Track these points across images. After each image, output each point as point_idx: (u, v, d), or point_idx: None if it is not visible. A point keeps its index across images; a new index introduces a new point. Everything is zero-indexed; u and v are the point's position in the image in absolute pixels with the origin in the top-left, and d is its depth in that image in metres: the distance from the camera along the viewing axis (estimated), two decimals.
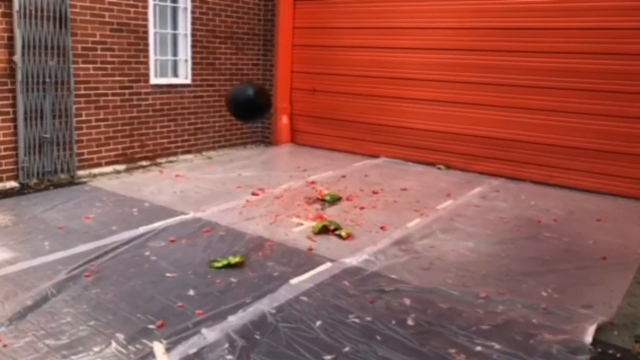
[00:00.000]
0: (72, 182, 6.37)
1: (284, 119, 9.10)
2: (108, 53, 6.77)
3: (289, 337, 3.09)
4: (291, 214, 5.40)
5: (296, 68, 9.06)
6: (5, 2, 5.75)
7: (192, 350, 2.91)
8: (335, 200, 5.83)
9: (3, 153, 5.98)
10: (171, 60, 7.79)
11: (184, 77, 7.86)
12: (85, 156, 6.71)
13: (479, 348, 3.05)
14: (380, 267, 4.14)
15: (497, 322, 3.35)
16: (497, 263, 4.33)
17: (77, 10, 6.36)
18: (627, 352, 3.09)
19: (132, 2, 6.93)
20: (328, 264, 4.17)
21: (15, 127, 6.01)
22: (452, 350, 3.02)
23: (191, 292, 3.62)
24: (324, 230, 4.87)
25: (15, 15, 5.77)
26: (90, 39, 6.55)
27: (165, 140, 7.65)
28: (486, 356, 2.98)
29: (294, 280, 3.84)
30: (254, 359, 2.87)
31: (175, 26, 7.79)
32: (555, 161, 6.84)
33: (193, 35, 7.83)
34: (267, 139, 9.21)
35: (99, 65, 6.69)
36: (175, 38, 7.81)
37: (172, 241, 4.54)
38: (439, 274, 4.07)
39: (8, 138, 5.99)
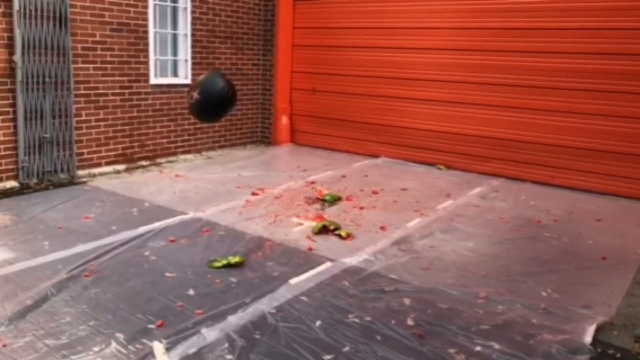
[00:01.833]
0: (72, 182, 6.37)
1: (284, 119, 9.10)
2: (108, 53, 6.77)
3: (288, 337, 3.09)
4: (291, 214, 5.40)
5: (296, 68, 9.06)
6: (5, 2, 5.75)
7: (192, 350, 2.91)
8: (335, 200, 5.83)
9: (3, 153, 5.98)
10: (171, 60, 7.79)
11: (184, 77, 7.85)
12: (85, 156, 6.71)
13: (478, 348, 3.05)
14: (380, 267, 4.14)
15: (496, 322, 3.35)
16: (496, 263, 4.33)
17: (77, 10, 6.36)
18: (627, 352, 3.09)
19: (132, 2, 6.93)
20: (328, 264, 4.17)
21: (15, 127, 6.01)
22: (452, 350, 3.02)
23: (191, 292, 3.62)
24: (324, 230, 4.87)
25: (15, 15, 5.77)
26: (90, 39, 6.55)
27: (165, 140, 7.65)
28: (486, 356, 2.98)
29: (293, 280, 3.84)
30: (254, 359, 2.87)
31: (175, 26, 7.79)
32: (556, 161, 6.84)
33: (193, 35, 7.83)
34: (267, 139, 9.21)
35: (98, 65, 6.69)
36: (175, 38, 7.81)
37: (172, 241, 4.54)
38: (439, 274, 4.08)
39: (8, 138, 5.99)
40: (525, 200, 6.15)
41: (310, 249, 4.48)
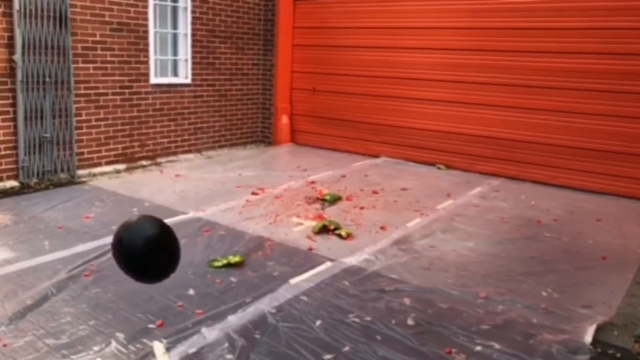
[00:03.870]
0: (72, 181, 6.37)
1: (284, 119, 9.10)
2: (108, 52, 6.77)
3: (288, 337, 3.09)
4: (291, 213, 5.40)
5: (296, 68, 9.06)
6: (5, 2, 5.75)
7: (192, 350, 2.91)
8: (335, 200, 5.83)
9: (3, 152, 5.98)
10: (171, 60, 7.79)
11: (184, 76, 7.86)
12: (85, 156, 6.70)
13: (479, 348, 3.05)
14: (380, 267, 4.14)
15: (497, 322, 3.35)
16: (497, 263, 4.33)
17: (77, 9, 6.36)
18: (627, 352, 3.08)
19: (132, 2, 6.93)
20: (328, 264, 4.17)
21: (16, 126, 6.01)
22: (452, 350, 3.02)
23: (191, 292, 3.62)
24: (324, 230, 4.87)
25: (16, 15, 5.77)
26: (90, 39, 6.54)
27: (165, 140, 7.65)
28: (486, 356, 2.98)
29: (293, 280, 3.84)
30: (254, 359, 2.87)
31: (175, 26, 7.78)
32: (556, 161, 6.84)
33: (193, 34, 7.83)
34: (267, 139, 9.21)
35: (99, 64, 6.69)
36: (175, 38, 7.81)
37: None
38: (439, 274, 4.07)
39: (8, 137, 5.99)
40: (525, 200, 6.15)
41: (310, 249, 4.48)
